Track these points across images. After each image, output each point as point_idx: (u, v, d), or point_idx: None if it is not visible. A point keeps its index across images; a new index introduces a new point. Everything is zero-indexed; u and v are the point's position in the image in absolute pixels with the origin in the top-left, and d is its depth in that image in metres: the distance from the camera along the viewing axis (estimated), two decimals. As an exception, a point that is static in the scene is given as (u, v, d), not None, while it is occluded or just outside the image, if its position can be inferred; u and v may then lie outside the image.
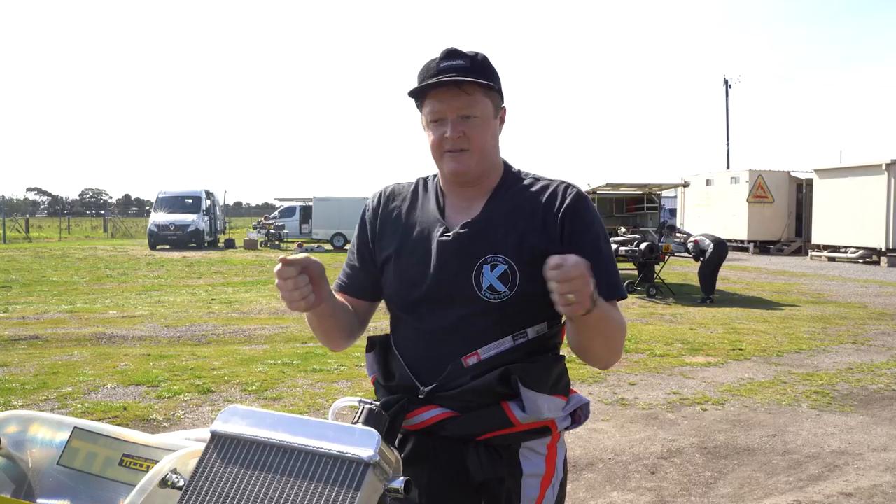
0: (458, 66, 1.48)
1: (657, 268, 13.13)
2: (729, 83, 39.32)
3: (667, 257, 13.40)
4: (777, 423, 5.13)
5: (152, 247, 26.25)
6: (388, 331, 1.65)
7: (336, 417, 1.39)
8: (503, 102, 1.58)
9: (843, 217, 20.84)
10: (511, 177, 1.60)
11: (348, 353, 6.66)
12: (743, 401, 5.70)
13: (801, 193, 24.72)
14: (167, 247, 26.65)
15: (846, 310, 11.03)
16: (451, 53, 1.51)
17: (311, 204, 29.80)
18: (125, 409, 5.24)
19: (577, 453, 4.44)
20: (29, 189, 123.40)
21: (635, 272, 13.41)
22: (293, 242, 29.49)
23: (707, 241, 12.21)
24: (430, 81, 1.48)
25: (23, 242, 31.86)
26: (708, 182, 26.66)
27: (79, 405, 5.31)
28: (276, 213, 32.10)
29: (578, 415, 1.58)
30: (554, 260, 1.25)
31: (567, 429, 1.57)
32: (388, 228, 1.62)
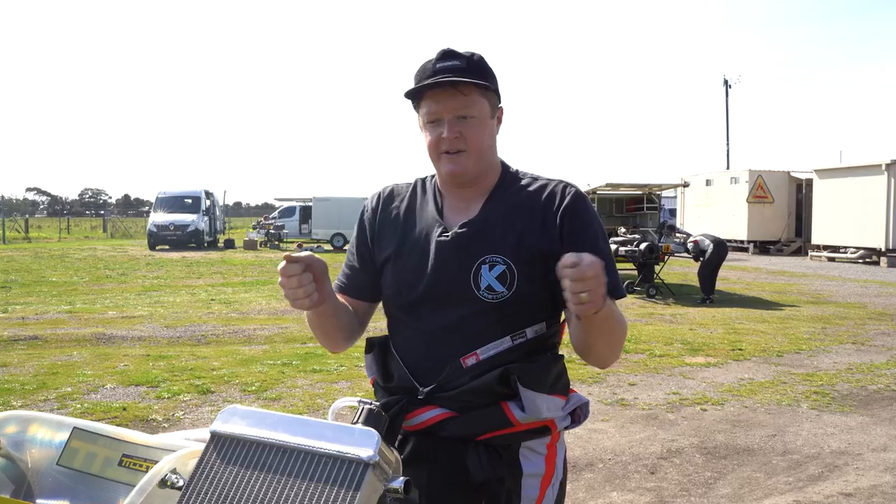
0: (454, 66, 1.48)
1: (657, 268, 13.12)
2: (729, 83, 39.33)
3: (666, 257, 13.39)
4: (777, 424, 5.13)
5: (152, 247, 26.23)
6: (387, 332, 1.65)
7: (336, 418, 1.39)
8: (500, 102, 1.58)
9: (842, 217, 20.83)
10: (509, 177, 1.60)
11: (348, 353, 6.66)
12: (743, 401, 5.70)
13: (801, 193, 24.71)
14: (167, 247, 26.64)
15: (846, 310, 11.02)
16: (447, 54, 1.50)
17: (310, 204, 29.75)
18: (125, 409, 5.24)
19: (577, 453, 4.44)
20: (28, 189, 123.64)
21: (635, 272, 13.41)
22: (293, 242, 29.46)
23: (707, 242, 12.20)
24: (426, 82, 1.48)
25: (22, 243, 31.86)
26: (708, 182, 26.66)
27: (78, 405, 5.31)
28: (275, 214, 32.06)
29: (578, 414, 1.58)
30: (569, 258, 1.23)
31: (567, 428, 1.57)
32: (386, 229, 1.62)
